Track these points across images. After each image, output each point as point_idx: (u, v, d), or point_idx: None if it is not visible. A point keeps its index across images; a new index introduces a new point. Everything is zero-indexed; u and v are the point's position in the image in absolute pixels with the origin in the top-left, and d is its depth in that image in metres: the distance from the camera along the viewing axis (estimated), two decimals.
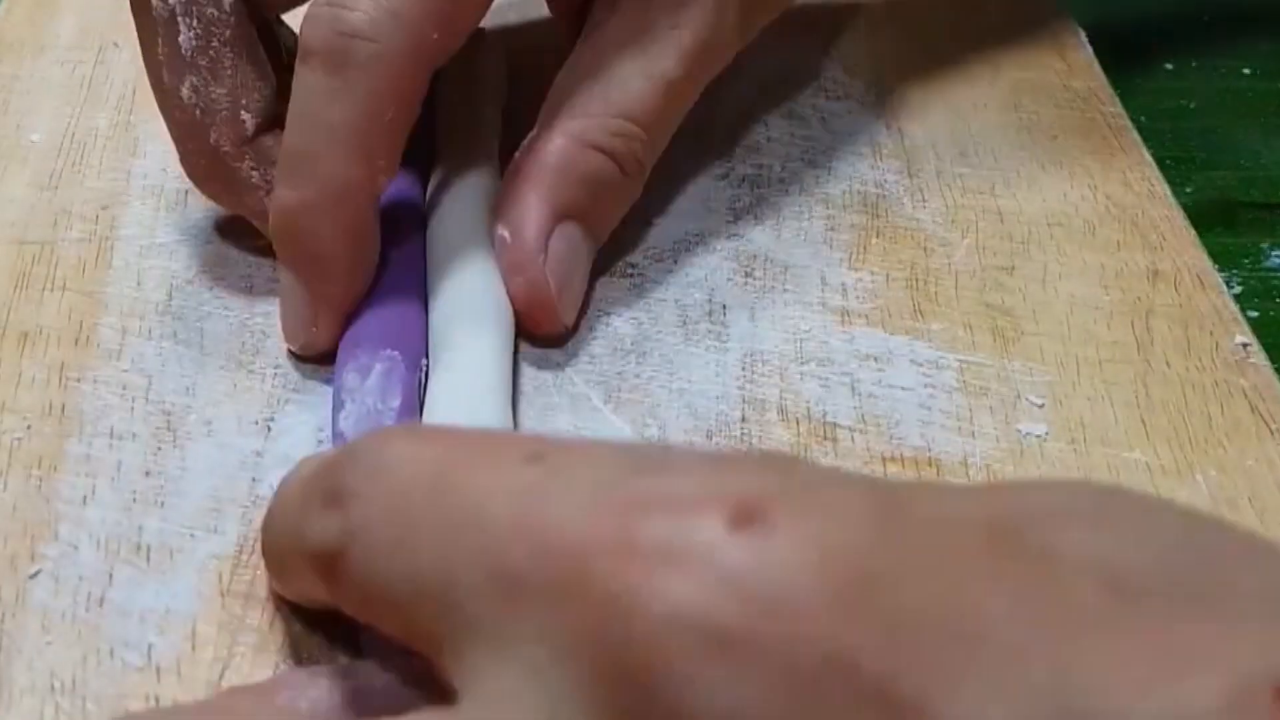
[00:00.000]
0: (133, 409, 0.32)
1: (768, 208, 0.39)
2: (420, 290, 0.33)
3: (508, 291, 0.33)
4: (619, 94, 0.34)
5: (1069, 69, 0.45)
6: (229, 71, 0.33)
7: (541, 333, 0.33)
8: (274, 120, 0.33)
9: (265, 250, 0.36)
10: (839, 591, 0.17)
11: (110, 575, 0.28)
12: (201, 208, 0.37)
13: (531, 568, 0.18)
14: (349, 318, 0.32)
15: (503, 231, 0.33)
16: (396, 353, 0.31)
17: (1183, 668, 0.16)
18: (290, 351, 0.33)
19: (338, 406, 0.30)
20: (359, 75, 0.30)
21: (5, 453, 0.30)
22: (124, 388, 0.32)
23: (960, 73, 0.45)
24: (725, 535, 0.17)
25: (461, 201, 0.35)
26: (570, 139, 0.33)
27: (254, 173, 0.33)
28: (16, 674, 0.26)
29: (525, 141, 0.34)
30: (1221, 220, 0.41)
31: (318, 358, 0.33)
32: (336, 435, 0.30)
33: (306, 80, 0.31)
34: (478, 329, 0.32)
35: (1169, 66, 0.48)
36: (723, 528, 0.17)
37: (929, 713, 0.16)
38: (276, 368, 0.33)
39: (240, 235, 0.36)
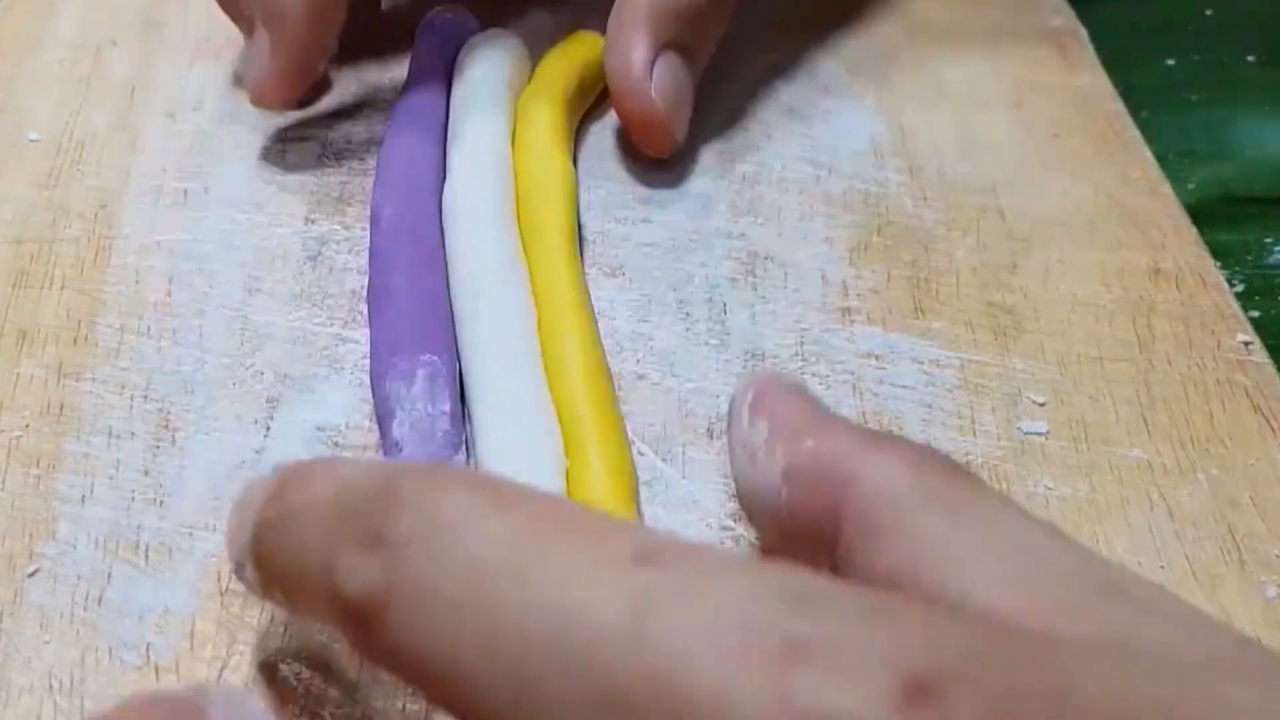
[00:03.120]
0: (131, 408, 0.32)
1: (768, 206, 0.39)
2: (442, 285, 0.33)
3: (620, 115, 0.38)
4: None
5: (1070, 67, 0.45)
6: None
7: (655, 150, 0.38)
8: None
9: (265, 249, 0.36)
10: None
11: (109, 574, 0.28)
12: (201, 207, 0.37)
13: (652, 701, 0.16)
14: (305, 76, 0.37)
15: (611, 65, 0.37)
16: (435, 357, 0.31)
17: None
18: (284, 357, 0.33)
19: (387, 415, 0.30)
20: None
21: (4, 451, 0.30)
22: (122, 386, 0.32)
23: (962, 71, 0.45)
24: (887, 712, 0.15)
25: (479, 197, 0.35)
26: None
27: None
28: (14, 673, 0.26)
29: None
30: (1224, 215, 0.41)
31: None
32: (392, 445, 0.30)
33: None
34: (514, 353, 0.32)
35: (1170, 62, 0.48)
36: (892, 704, 0.15)
37: None
38: (275, 367, 0.33)
39: (240, 234, 0.36)
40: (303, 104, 0.40)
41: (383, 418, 0.30)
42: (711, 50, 0.40)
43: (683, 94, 0.38)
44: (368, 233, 0.36)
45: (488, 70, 0.39)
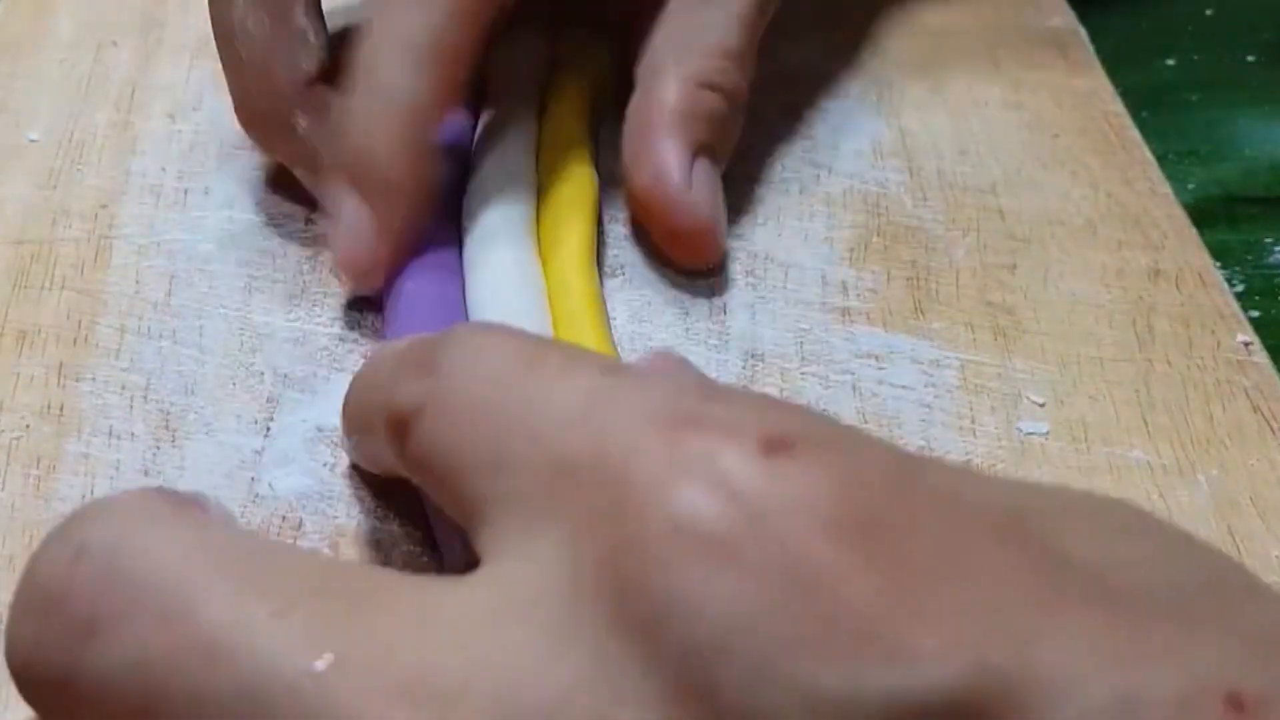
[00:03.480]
0: (131, 408, 0.32)
1: (768, 206, 0.39)
2: (459, 290, 0.33)
3: (665, 232, 0.36)
4: (714, 37, 0.37)
5: (1070, 66, 0.45)
6: (296, 12, 0.34)
7: (703, 262, 0.36)
8: (326, 72, 0.35)
9: (265, 249, 0.36)
10: (843, 525, 0.18)
11: None
12: (201, 207, 0.37)
13: (582, 455, 0.20)
14: (404, 249, 0.33)
15: (646, 179, 0.35)
16: None
17: (1145, 659, 0.17)
18: (292, 377, 0.33)
19: None
20: None
21: (3, 452, 0.30)
22: (123, 387, 0.32)
23: (961, 70, 0.45)
24: (751, 458, 0.18)
25: (500, 204, 0.35)
26: (686, 82, 0.36)
27: (303, 120, 0.34)
28: None
29: (635, 98, 0.37)
30: (1224, 216, 0.41)
31: (362, 303, 0.34)
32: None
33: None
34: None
35: (1170, 62, 0.48)
36: (751, 453, 0.19)
37: (902, 652, 0.17)
38: (276, 367, 0.33)
39: (240, 234, 0.36)
40: None
41: None
42: (731, 152, 0.38)
43: (721, 201, 0.36)
44: None
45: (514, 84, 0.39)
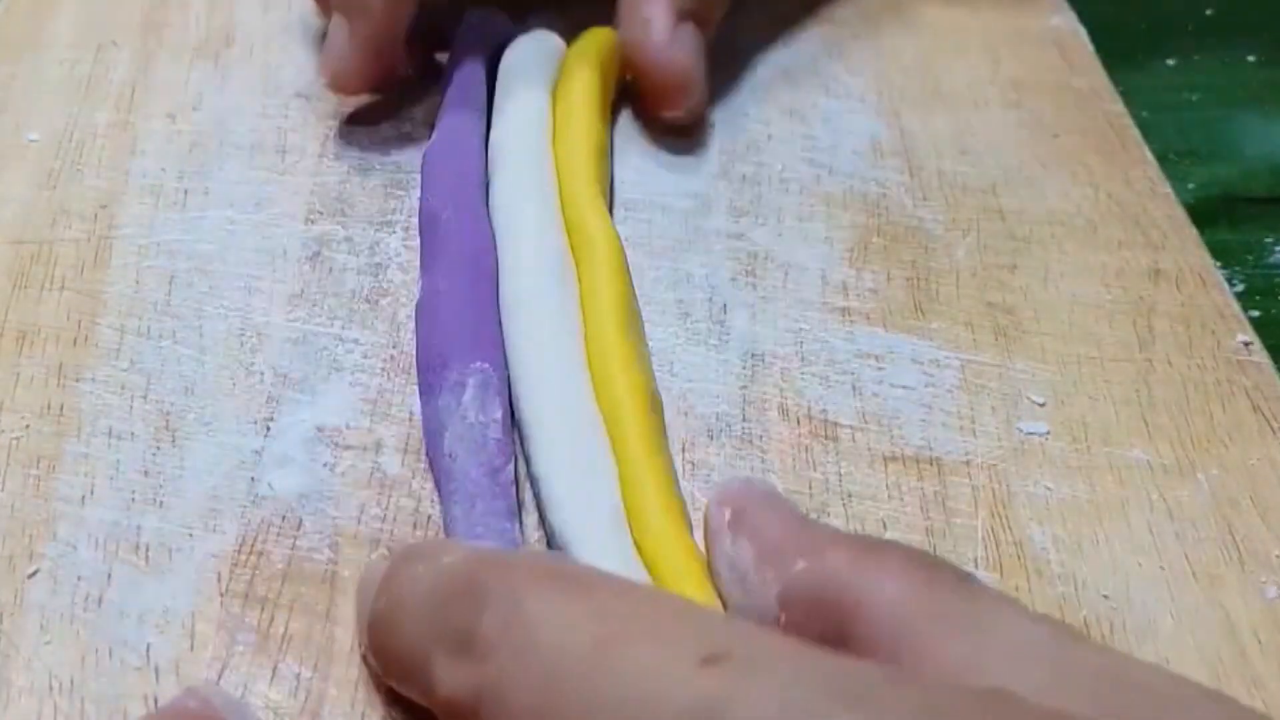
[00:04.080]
0: (131, 408, 0.31)
1: (768, 207, 0.39)
2: (492, 286, 0.33)
3: (642, 81, 0.39)
4: None
5: (1070, 67, 0.45)
6: None
7: (677, 107, 0.40)
8: None
9: (265, 249, 0.36)
10: None
11: (109, 575, 0.28)
12: (201, 207, 0.37)
13: None
14: (381, 63, 0.38)
15: (632, 35, 0.39)
16: (487, 364, 0.31)
17: None
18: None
19: (437, 430, 0.30)
20: None
21: (4, 452, 0.30)
22: (122, 387, 0.32)
23: (961, 71, 0.44)
24: None
25: (524, 197, 0.35)
26: None
27: None
28: (14, 674, 0.26)
29: None
30: (1224, 216, 0.41)
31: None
32: (447, 456, 0.29)
33: None
34: (563, 366, 0.31)
35: (1171, 62, 0.48)
36: None
37: None
38: (276, 367, 0.33)
39: (240, 234, 0.36)
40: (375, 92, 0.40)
41: (429, 432, 0.30)
42: (719, 22, 0.41)
43: (701, 60, 0.40)
44: (368, 233, 0.36)
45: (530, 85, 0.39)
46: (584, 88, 0.38)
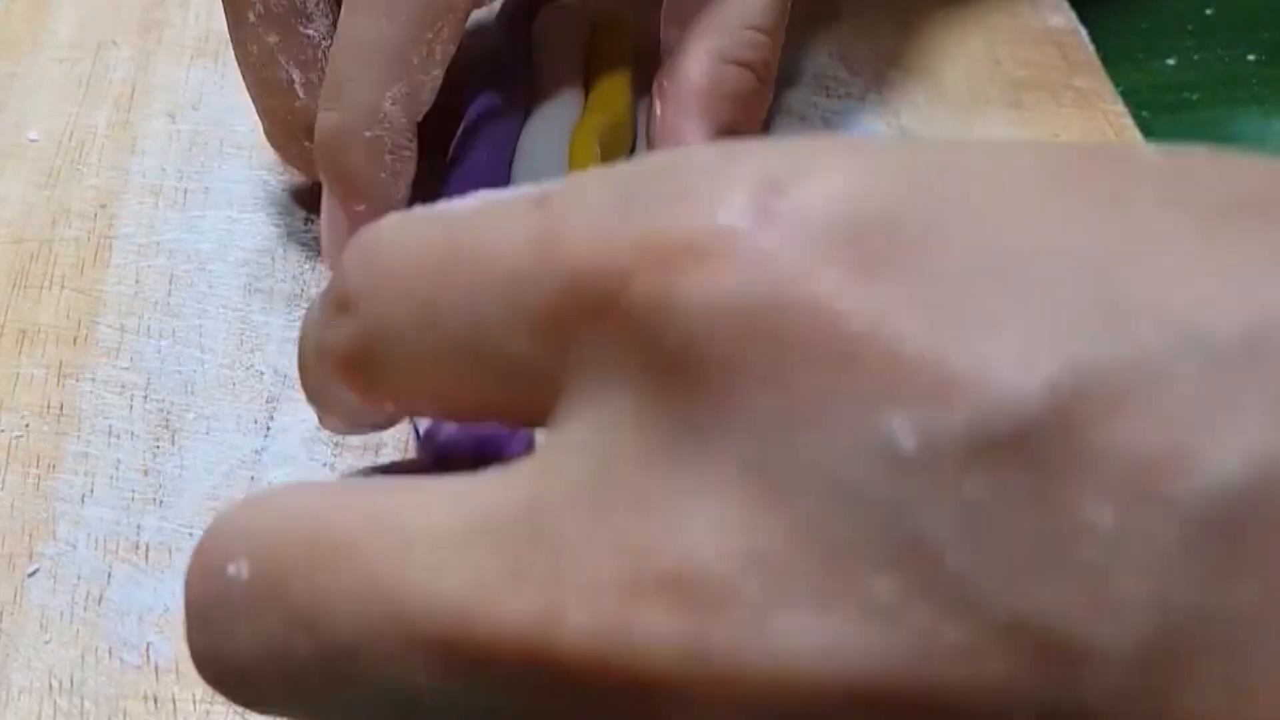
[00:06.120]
0: (131, 407, 0.31)
1: None
2: None
3: None
4: (744, 8, 0.36)
5: (1070, 67, 0.45)
6: (322, 29, 0.34)
7: None
8: None
9: (265, 249, 0.36)
10: (863, 252, 0.16)
11: (109, 574, 0.28)
12: (201, 207, 0.37)
13: (566, 304, 0.17)
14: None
15: None
16: None
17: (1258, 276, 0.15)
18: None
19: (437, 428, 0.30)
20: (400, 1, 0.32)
21: (3, 451, 0.30)
22: (122, 386, 0.32)
23: (962, 71, 0.44)
24: (744, 219, 0.16)
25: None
26: (712, 58, 0.35)
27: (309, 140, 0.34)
28: (14, 673, 0.26)
29: (662, 73, 0.36)
30: None
31: None
32: (444, 437, 0.29)
33: (353, 3, 0.32)
34: None
35: (1171, 62, 0.48)
36: (741, 213, 0.16)
37: (964, 384, 0.15)
38: (276, 367, 0.33)
39: (240, 234, 0.36)
40: None
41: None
42: (758, 129, 0.38)
43: None
44: None
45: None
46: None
